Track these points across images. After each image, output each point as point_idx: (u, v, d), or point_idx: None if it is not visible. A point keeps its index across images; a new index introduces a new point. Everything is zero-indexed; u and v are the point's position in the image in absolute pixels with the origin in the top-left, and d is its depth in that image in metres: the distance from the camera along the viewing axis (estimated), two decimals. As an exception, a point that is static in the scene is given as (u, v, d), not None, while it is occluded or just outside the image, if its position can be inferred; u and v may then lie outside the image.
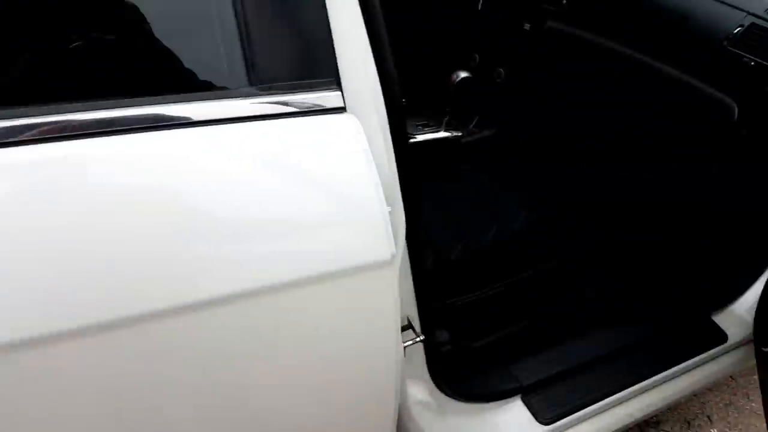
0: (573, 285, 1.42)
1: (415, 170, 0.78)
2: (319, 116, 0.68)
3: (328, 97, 0.69)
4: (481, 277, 1.27)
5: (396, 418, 0.86)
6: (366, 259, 0.65)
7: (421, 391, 1.08)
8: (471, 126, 1.95)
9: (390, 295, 0.70)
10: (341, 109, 0.70)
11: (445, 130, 1.88)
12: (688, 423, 1.71)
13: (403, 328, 0.95)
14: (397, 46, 0.76)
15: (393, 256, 0.66)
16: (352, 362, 0.73)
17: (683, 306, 1.41)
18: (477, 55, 1.88)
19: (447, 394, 1.13)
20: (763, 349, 1.16)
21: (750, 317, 1.37)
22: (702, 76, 1.29)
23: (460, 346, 1.26)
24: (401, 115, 0.73)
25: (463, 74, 1.77)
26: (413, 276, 0.90)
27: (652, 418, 1.72)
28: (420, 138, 1.83)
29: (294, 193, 0.64)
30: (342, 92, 0.70)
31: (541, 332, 1.40)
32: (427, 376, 1.06)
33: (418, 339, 0.93)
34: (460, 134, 1.87)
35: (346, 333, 0.70)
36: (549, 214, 1.55)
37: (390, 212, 0.70)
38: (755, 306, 1.33)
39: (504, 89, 1.81)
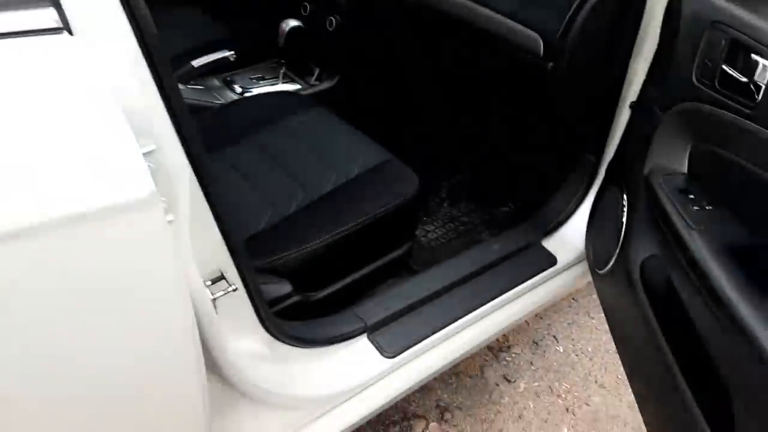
0: (410, 223, 1.45)
1: (181, 107, 0.71)
2: (29, 38, 0.59)
3: (40, 16, 0.60)
4: (313, 227, 1.25)
5: (204, 386, 0.82)
6: (112, 200, 0.58)
7: (256, 343, 1.05)
8: (313, 78, 1.91)
9: (160, 240, 0.64)
10: (58, 30, 0.61)
11: (283, 83, 1.82)
12: (536, 344, 1.84)
13: (215, 280, 0.90)
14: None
15: (152, 194, 0.59)
16: (127, 323, 0.67)
17: (516, 235, 1.49)
18: (307, 4, 1.83)
19: (288, 343, 1.11)
20: (599, 271, 1.24)
21: (576, 241, 1.47)
22: (511, 15, 1.34)
23: (302, 297, 1.24)
24: (154, 40, 0.66)
25: (292, 23, 1.72)
26: (218, 223, 0.85)
27: (503, 342, 1.82)
28: (255, 91, 1.77)
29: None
30: (60, 10, 0.61)
31: (383, 273, 1.41)
32: (259, 327, 1.03)
33: (230, 289, 0.89)
34: (299, 87, 1.83)
35: (111, 292, 0.63)
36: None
37: (154, 150, 0.64)
38: (582, 231, 1.44)
39: (337, 38, 1.78)
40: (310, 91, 1.80)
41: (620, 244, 1.11)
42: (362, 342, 1.23)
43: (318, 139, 1.46)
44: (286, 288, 1.22)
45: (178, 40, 1.84)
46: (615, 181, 1.21)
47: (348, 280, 1.32)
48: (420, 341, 1.25)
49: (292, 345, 1.13)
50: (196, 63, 1.69)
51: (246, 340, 1.04)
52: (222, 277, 0.92)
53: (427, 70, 1.92)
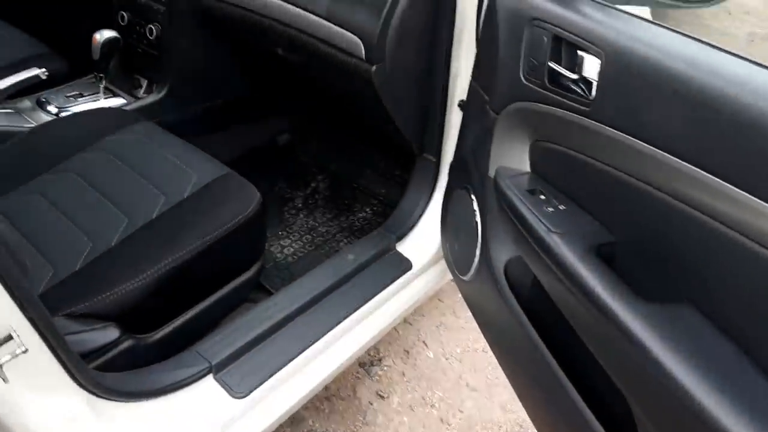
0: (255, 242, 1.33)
1: None
2: None
3: None
4: (139, 260, 1.10)
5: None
6: None
7: (71, 403, 0.88)
8: (141, 91, 1.73)
9: None
10: None
11: (105, 98, 1.63)
12: (407, 352, 1.79)
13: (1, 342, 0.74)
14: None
15: None
16: None
17: (370, 242, 1.43)
18: (124, 13, 1.66)
19: (113, 398, 0.96)
20: (462, 277, 1.20)
21: (429, 243, 1.44)
22: (328, 16, 1.29)
23: (134, 342, 1.08)
24: None
25: (107, 33, 1.54)
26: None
27: (374, 355, 1.76)
28: (73, 110, 1.56)
29: None
30: None
31: (233, 301, 1.29)
32: (72, 384, 0.87)
33: (18, 351, 0.73)
34: (123, 101, 1.65)
35: None
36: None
37: None
38: (434, 232, 1.41)
39: (159, 47, 1.62)
40: (136, 104, 1.62)
41: (479, 247, 1.08)
42: (208, 383, 1.10)
43: (145, 159, 1.31)
44: (112, 333, 1.05)
45: None
46: (460, 182, 1.19)
47: (188, 315, 1.18)
48: (274, 373, 1.14)
49: (120, 400, 0.97)
50: (2, 84, 1.46)
51: (58, 400, 0.88)
52: (10, 338, 0.76)
53: (257, 71, 1.83)
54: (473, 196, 1.13)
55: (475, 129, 1.12)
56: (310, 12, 1.31)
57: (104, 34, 1.54)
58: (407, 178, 1.53)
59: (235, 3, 1.47)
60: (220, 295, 1.24)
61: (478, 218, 1.10)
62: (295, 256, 1.67)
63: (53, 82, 1.60)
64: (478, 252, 1.10)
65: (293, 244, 1.71)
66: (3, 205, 1.20)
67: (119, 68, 1.70)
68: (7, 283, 0.74)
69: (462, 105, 1.28)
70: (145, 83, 1.73)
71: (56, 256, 1.11)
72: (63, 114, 1.55)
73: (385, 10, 1.20)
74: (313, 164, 2.02)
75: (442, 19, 1.25)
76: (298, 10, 1.34)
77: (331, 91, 1.73)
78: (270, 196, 1.87)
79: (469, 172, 1.15)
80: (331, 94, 1.78)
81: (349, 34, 1.26)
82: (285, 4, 1.35)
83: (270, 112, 1.98)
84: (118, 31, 1.62)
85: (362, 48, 1.25)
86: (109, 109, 1.48)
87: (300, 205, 1.87)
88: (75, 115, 1.42)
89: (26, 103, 1.56)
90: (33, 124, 1.51)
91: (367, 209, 1.86)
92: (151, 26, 1.59)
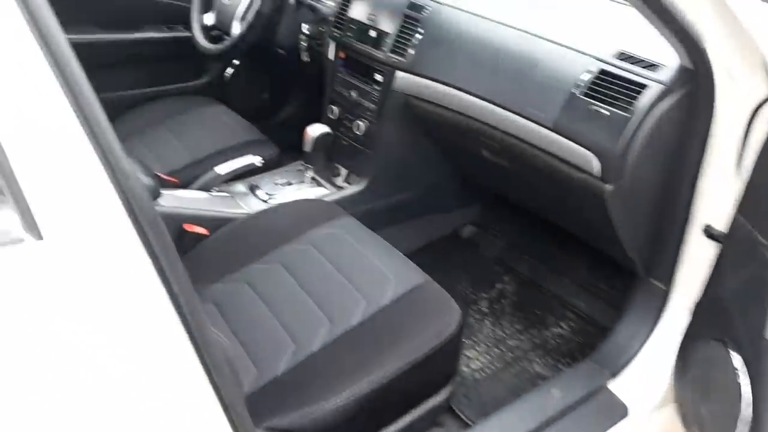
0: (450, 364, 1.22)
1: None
2: None
3: None
4: (340, 376, 1.03)
5: None
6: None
7: None
8: (341, 180, 1.75)
9: None
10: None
11: (310, 187, 1.67)
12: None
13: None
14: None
15: None
16: None
17: (578, 377, 1.25)
18: (334, 107, 1.71)
19: None
20: None
21: (648, 383, 1.23)
22: (556, 127, 1.19)
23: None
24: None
25: (321, 129, 1.58)
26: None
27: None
28: (281, 197, 1.61)
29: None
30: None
31: (420, 426, 1.17)
32: None
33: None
34: (326, 191, 1.67)
35: None
36: None
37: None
38: (653, 370, 1.20)
39: (365, 142, 1.64)
40: (338, 196, 1.64)
41: (749, 420, 0.87)
42: None
43: (345, 256, 1.27)
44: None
45: (206, 141, 1.72)
46: (711, 330, 0.98)
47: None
48: None
49: None
50: (221, 170, 1.55)
51: None
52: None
53: (455, 164, 1.77)
54: (734, 353, 0.92)
55: (741, 272, 0.93)
56: (533, 121, 1.23)
57: (317, 130, 1.58)
58: (613, 294, 1.36)
59: (445, 105, 1.44)
60: (410, 419, 1.13)
61: (745, 383, 0.88)
62: (482, 373, 1.53)
63: (265, 167, 1.67)
64: (743, 424, 0.88)
65: (480, 358, 1.58)
66: (215, 292, 1.22)
67: (324, 157, 1.75)
68: (221, 394, 0.69)
69: (712, 233, 1.09)
70: (345, 173, 1.75)
71: (260, 356, 1.09)
72: (272, 201, 1.60)
73: (630, 129, 1.07)
74: (499, 262, 1.90)
75: (692, 140, 1.09)
76: (515, 117, 1.27)
77: (539, 197, 1.62)
78: (452, 293, 1.78)
79: (729, 321, 0.94)
80: (536, 198, 1.66)
81: (581, 149, 1.15)
82: (502, 112, 1.29)
83: (456, 203, 1.91)
84: (327, 123, 1.67)
85: (596, 165, 1.13)
86: (315, 201, 1.50)
87: (485, 309, 1.74)
88: (284, 205, 1.45)
89: (240, 187, 1.64)
90: (245, 210, 1.56)
91: (563, 324, 1.68)
92: (359, 122, 1.62)
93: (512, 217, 1.97)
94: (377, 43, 1.57)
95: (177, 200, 1.41)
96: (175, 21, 2.07)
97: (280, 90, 2.35)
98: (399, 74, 1.52)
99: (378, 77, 1.58)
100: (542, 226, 1.87)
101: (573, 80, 1.18)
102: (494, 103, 1.30)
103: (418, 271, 1.24)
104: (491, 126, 1.33)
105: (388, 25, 1.55)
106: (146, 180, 1.27)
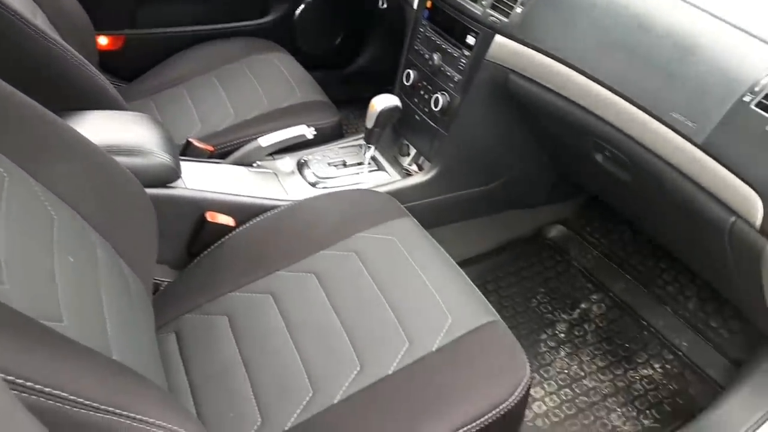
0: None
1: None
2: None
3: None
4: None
5: None
6: None
7: None
8: (407, 160, 1.46)
9: None
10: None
11: (369, 171, 1.39)
12: None
13: None
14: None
15: None
16: None
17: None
18: (412, 73, 1.39)
19: None
20: None
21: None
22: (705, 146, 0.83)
23: None
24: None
25: (388, 101, 1.28)
26: None
27: None
28: (332, 183, 1.34)
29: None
30: None
31: None
32: None
33: None
34: (387, 177, 1.39)
35: None
36: None
37: None
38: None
39: (441, 120, 1.33)
40: (400, 184, 1.35)
41: None
42: None
43: (394, 275, 1.00)
44: None
45: (257, 99, 1.47)
46: None
47: None
48: None
49: None
50: (265, 141, 1.29)
51: None
52: None
53: (547, 156, 1.44)
54: None
55: None
56: (675, 131, 0.88)
57: (384, 101, 1.28)
58: (727, 339, 1.04)
59: (554, 88, 1.10)
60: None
61: None
62: (546, 419, 1.25)
63: (320, 136, 1.40)
64: None
65: (547, 400, 1.29)
66: (233, 301, 1.00)
67: (389, 135, 1.46)
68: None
69: None
70: (413, 152, 1.46)
71: (268, 400, 0.86)
72: (320, 186, 1.33)
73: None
74: (588, 276, 1.58)
75: None
76: (652, 121, 0.92)
77: (661, 226, 1.28)
78: (525, 307, 1.49)
79: None
80: (655, 225, 1.32)
81: (740, 183, 0.80)
82: (634, 111, 0.94)
83: (544, 198, 1.59)
84: (400, 90, 1.36)
85: (759, 211, 0.79)
86: (372, 193, 1.21)
87: (563, 334, 1.44)
88: (332, 195, 1.18)
89: (286, 163, 1.36)
90: (285, 197, 1.27)
91: (656, 365, 1.36)
92: (438, 95, 1.30)
93: (612, 222, 1.62)
94: (475, -5, 1.23)
95: (203, 178, 1.17)
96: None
97: (354, 37, 2.05)
98: (498, 39, 1.17)
99: (470, 39, 1.24)
100: (649, 239, 1.52)
101: (748, 82, 0.81)
102: (624, 97, 0.95)
103: (487, 309, 0.96)
104: (615, 127, 0.99)
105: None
106: (163, 158, 1.04)
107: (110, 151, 0.93)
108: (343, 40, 2.06)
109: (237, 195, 1.16)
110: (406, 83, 1.40)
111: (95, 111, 1.07)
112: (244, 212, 1.15)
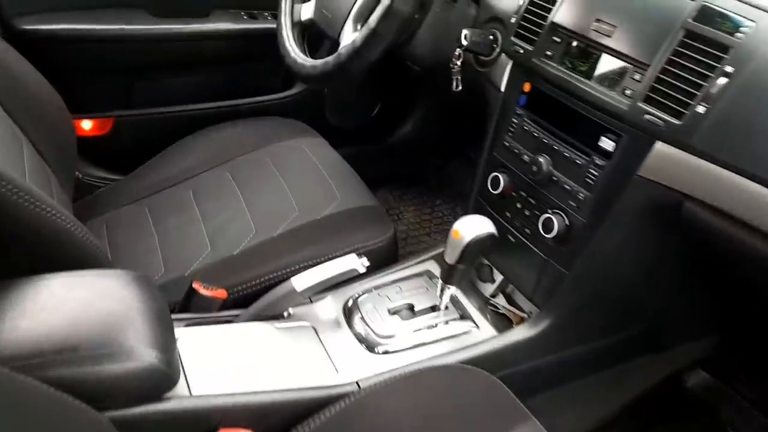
0: None
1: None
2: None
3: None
4: None
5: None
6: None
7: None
8: (492, 288, 1.05)
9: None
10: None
11: (444, 322, 0.97)
12: None
13: None
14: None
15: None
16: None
17: None
18: (502, 178, 0.99)
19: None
20: None
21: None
22: None
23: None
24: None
25: (480, 227, 0.88)
26: None
27: None
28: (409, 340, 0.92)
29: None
30: None
31: None
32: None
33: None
34: (472, 327, 0.97)
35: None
36: None
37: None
38: None
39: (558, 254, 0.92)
40: (499, 343, 0.92)
41: None
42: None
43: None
44: None
45: (286, 208, 1.09)
46: None
47: None
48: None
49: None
50: (300, 284, 0.86)
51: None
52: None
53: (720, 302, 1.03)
54: None
55: None
56: None
57: (474, 228, 0.86)
58: None
59: (758, 226, 0.69)
60: None
61: None
62: None
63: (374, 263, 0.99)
64: None
65: None
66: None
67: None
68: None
69: None
70: (498, 279, 1.04)
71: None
72: (379, 351, 0.90)
73: None
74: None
75: None
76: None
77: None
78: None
79: None
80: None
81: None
82: None
83: (680, 337, 1.16)
84: (480, 196, 0.97)
85: None
86: (468, 375, 0.80)
87: None
88: (412, 381, 0.77)
89: (329, 307, 0.94)
90: (335, 385, 0.85)
91: None
92: (552, 216, 0.88)
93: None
94: (614, 80, 0.84)
95: (213, 368, 0.75)
96: (257, 5, 1.43)
97: (393, 106, 1.71)
98: (662, 148, 0.78)
99: (606, 144, 0.83)
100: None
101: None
102: None
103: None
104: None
105: (639, 47, 0.80)
106: (151, 360, 0.63)
107: (62, 363, 0.57)
108: (381, 111, 1.71)
109: (262, 393, 0.74)
110: (492, 190, 1.00)
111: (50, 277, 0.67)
112: (275, 418, 0.74)
